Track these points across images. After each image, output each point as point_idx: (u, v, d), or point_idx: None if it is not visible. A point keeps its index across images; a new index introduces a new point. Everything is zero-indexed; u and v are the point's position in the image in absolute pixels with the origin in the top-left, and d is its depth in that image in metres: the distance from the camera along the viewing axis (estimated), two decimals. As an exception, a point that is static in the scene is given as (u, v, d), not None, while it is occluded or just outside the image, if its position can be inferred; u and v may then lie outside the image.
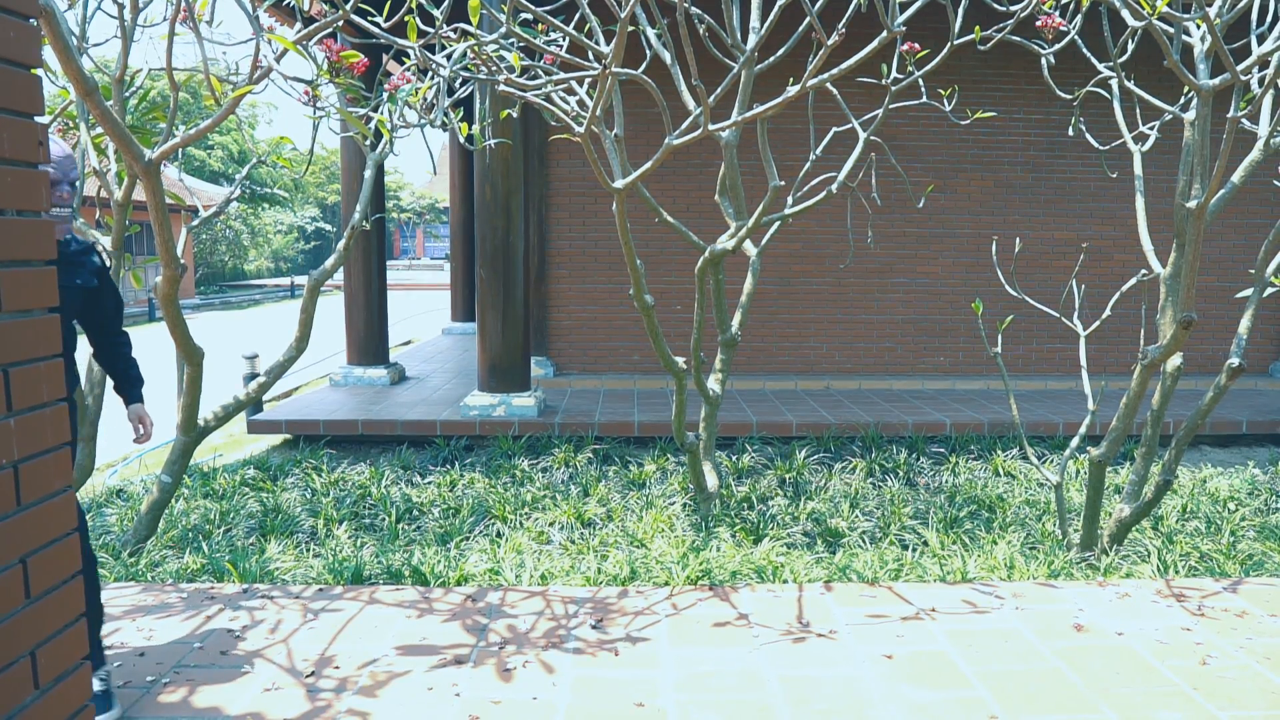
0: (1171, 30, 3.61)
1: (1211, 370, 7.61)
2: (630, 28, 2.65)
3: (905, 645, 2.92)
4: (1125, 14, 3.16)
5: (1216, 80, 3.27)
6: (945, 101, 4.56)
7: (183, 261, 3.63)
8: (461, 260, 12.32)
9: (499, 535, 4.46)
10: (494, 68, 3.22)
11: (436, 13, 3.32)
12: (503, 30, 2.92)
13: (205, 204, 21.92)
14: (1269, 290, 3.91)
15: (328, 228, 44.06)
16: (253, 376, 7.57)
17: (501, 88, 3.04)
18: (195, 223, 4.29)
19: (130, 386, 2.91)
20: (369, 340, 7.75)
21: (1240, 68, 3.15)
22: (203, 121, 3.07)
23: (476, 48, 3.13)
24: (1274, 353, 7.94)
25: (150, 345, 14.40)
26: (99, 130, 4.14)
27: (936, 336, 7.82)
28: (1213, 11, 3.24)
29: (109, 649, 2.87)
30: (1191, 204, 3.39)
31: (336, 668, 2.75)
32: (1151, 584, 3.49)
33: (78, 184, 2.51)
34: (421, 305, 22.85)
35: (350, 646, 2.89)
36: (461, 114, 4.34)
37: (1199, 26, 3.46)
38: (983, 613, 3.18)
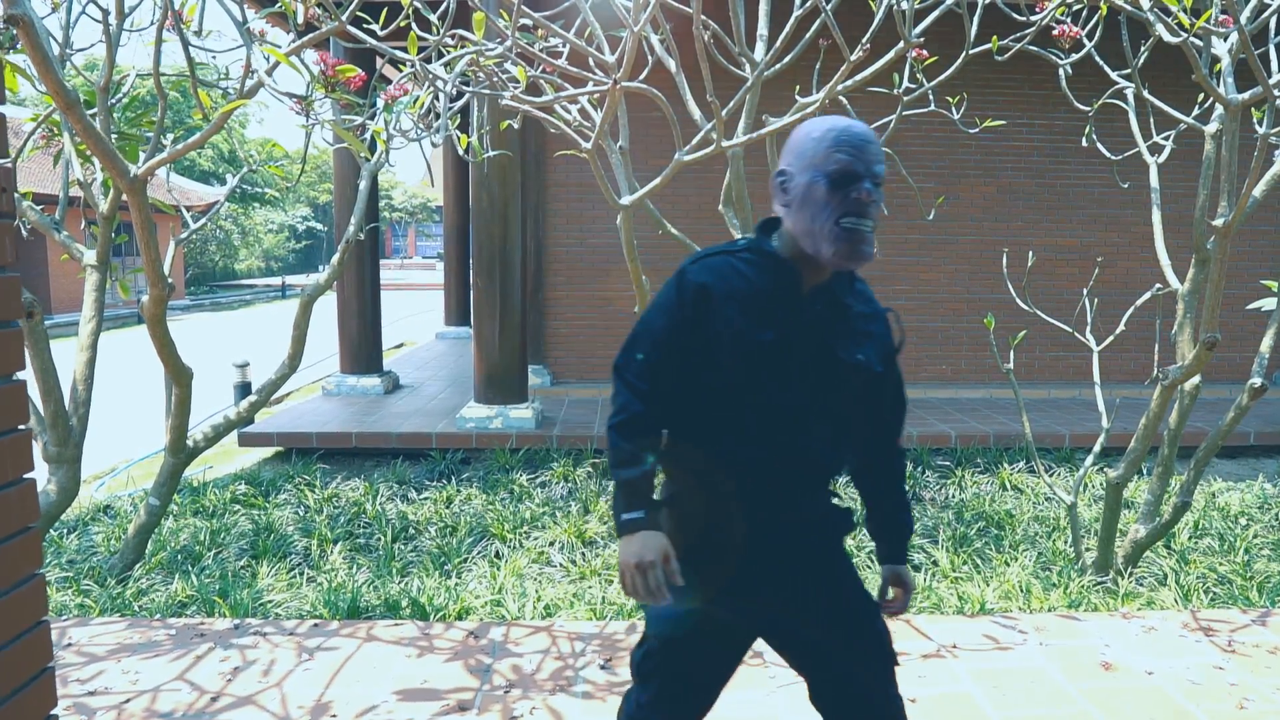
0: (1200, 44, 3.49)
1: (1218, 379, 7.51)
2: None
3: (929, 687, 2.80)
4: (1160, 29, 3.05)
5: (1245, 94, 3.17)
6: (953, 110, 4.44)
7: (170, 281, 3.49)
8: (455, 264, 12.14)
9: (498, 556, 4.33)
10: (497, 80, 3.08)
11: (433, 17, 3.18)
12: (508, 44, 2.78)
13: (195, 205, 21.67)
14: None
15: (319, 227, 43.75)
16: (243, 386, 7.43)
17: (505, 103, 2.90)
18: (183, 236, 4.13)
19: (898, 537, 1.84)
20: (362, 348, 7.58)
21: (1273, 81, 3.04)
22: (191, 134, 2.93)
23: (477, 57, 2.99)
24: (1278, 362, 7.86)
25: (137, 351, 14.21)
26: (83, 140, 3.98)
27: (939, 345, 7.71)
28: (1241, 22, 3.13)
29: (92, 694, 2.73)
30: (1218, 221, 3.28)
31: (334, 716, 2.61)
32: (1177, 615, 3.38)
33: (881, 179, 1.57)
34: (414, 306, 22.67)
35: (348, 691, 2.75)
36: (459, 121, 4.21)
37: (1224, 40, 3.35)
38: (1006, 649, 3.06)
